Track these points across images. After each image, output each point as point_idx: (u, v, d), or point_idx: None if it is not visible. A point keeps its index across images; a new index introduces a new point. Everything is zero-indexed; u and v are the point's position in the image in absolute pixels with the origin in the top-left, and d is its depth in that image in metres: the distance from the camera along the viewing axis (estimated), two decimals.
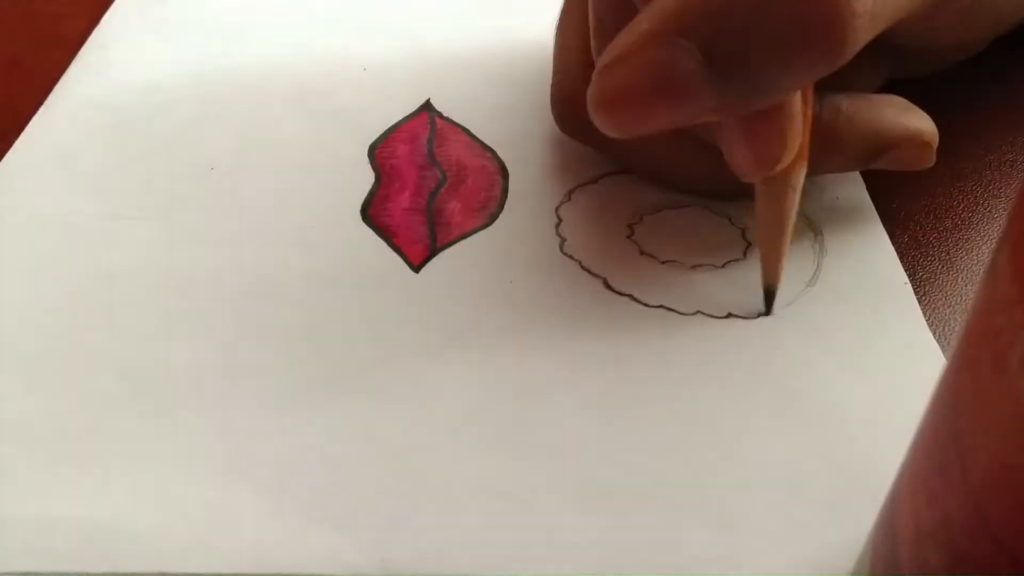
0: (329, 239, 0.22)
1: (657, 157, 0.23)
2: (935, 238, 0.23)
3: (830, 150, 0.21)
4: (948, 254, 0.23)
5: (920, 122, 0.22)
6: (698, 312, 0.21)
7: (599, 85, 0.18)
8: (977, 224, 0.24)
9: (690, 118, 0.18)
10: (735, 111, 0.18)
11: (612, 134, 0.18)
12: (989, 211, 0.24)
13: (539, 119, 0.26)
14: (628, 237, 0.23)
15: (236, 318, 0.20)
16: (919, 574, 0.12)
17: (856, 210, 0.23)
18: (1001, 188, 0.25)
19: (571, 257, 0.22)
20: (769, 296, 0.21)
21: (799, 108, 0.18)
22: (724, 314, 0.21)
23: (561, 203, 0.24)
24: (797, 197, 0.20)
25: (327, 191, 0.24)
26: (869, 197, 0.24)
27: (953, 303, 0.21)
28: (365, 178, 0.24)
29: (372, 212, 0.23)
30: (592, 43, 0.21)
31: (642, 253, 0.22)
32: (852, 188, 0.24)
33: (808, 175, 0.20)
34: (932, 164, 0.22)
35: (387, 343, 0.20)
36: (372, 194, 0.24)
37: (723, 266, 0.22)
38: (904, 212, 0.24)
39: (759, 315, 0.21)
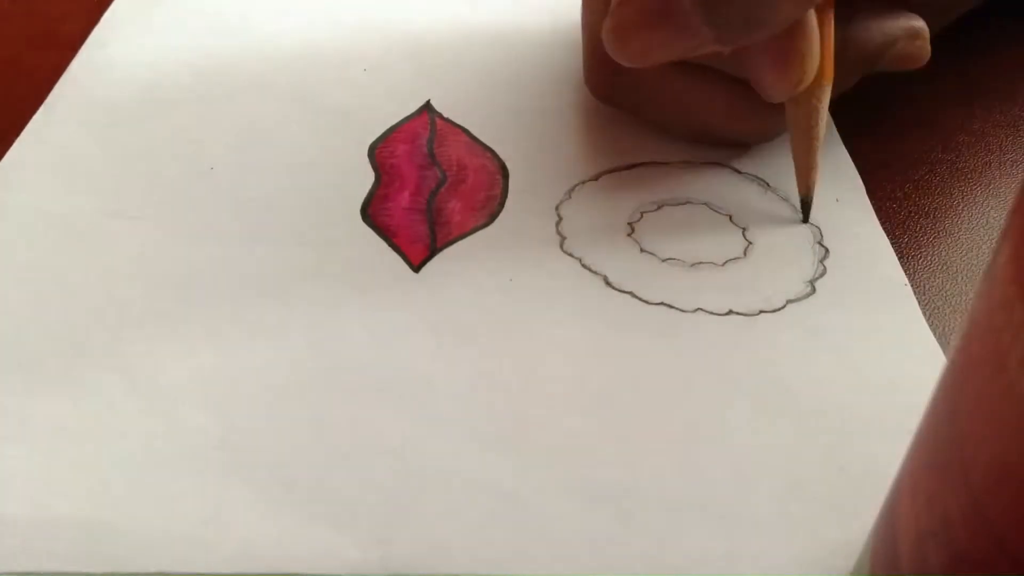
0: (329, 238, 0.22)
1: (686, 110, 0.24)
2: (935, 238, 0.23)
3: (839, 61, 0.22)
4: (948, 254, 0.23)
5: (911, 20, 0.23)
6: (698, 310, 0.21)
7: (612, 19, 0.20)
8: (977, 224, 0.24)
9: (694, 50, 0.19)
10: (737, 43, 0.19)
11: (625, 62, 0.20)
12: (989, 211, 0.24)
13: (539, 119, 0.26)
14: (628, 235, 0.23)
15: (235, 317, 0.20)
16: (919, 574, 0.12)
17: (856, 211, 0.23)
18: (1001, 188, 0.25)
19: (571, 255, 0.22)
20: (806, 205, 0.23)
21: (814, 29, 0.20)
22: (725, 311, 0.21)
23: (561, 201, 0.24)
24: (824, 113, 0.21)
25: (327, 191, 0.24)
26: (868, 199, 0.24)
27: (953, 303, 0.21)
28: (365, 178, 0.24)
29: (372, 212, 0.23)
30: None
31: (642, 251, 0.22)
32: (852, 189, 0.24)
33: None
34: (928, 57, 0.23)
35: (387, 342, 0.20)
36: (372, 194, 0.24)
37: (723, 264, 0.22)
38: (904, 212, 0.24)
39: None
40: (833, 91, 0.22)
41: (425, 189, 0.24)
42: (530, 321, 0.20)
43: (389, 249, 0.22)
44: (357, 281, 0.21)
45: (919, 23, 0.23)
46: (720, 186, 0.24)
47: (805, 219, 0.23)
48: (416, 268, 0.22)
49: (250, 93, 0.27)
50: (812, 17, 0.20)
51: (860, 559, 0.15)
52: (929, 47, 0.23)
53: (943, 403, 0.12)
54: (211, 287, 0.21)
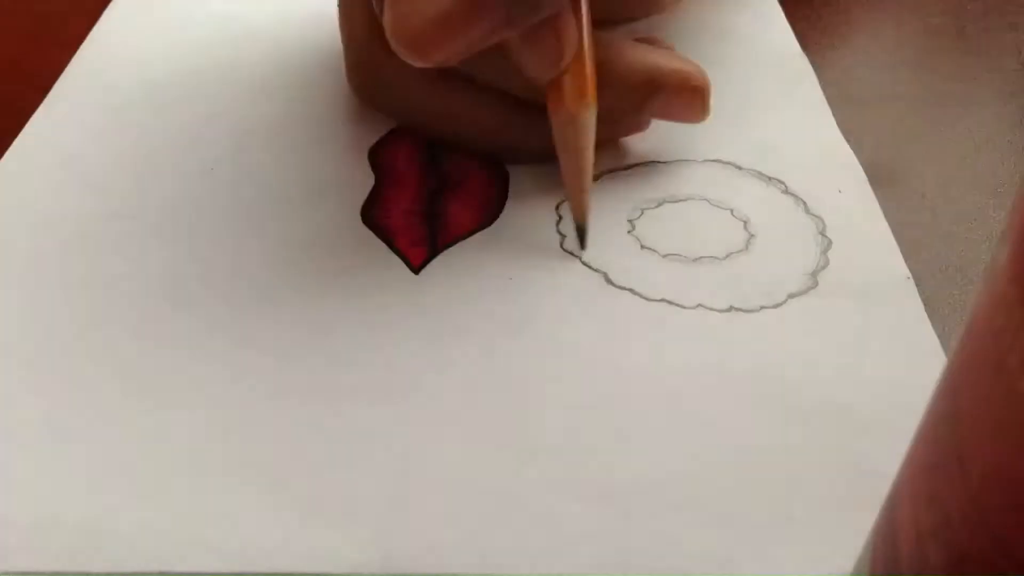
0: (329, 240, 0.22)
1: (462, 122, 0.23)
2: (935, 238, 0.23)
3: (602, 84, 0.21)
4: (948, 254, 0.23)
5: (689, 65, 0.23)
6: (699, 306, 0.21)
7: (395, 13, 0.18)
8: (977, 224, 0.24)
9: (488, 37, 0.19)
10: (522, 24, 0.19)
11: (416, 62, 0.18)
12: (989, 211, 0.24)
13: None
14: (629, 232, 0.23)
15: (236, 318, 0.20)
16: (919, 574, 0.12)
17: (859, 202, 0.23)
18: (1001, 187, 0.25)
19: (572, 254, 0.22)
20: (581, 232, 0.22)
21: (571, 17, 0.20)
22: (726, 307, 0.21)
23: (561, 200, 0.24)
24: (591, 135, 0.21)
25: (327, 192, 0.24)
26: (871, 189, 0.24)
27: (953, 303, 0.21)
28: (364, 179, 0.24)
29: (372, 213, 0.23)
30: None
31: (643, 247, 0.22)
32: (854, 180, 0.24)
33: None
34: (706, 117, 0.23)
35: (388, 344, 0.20)
36: (372, 195, 0.24)
37: (725, 258, 0.22)
38: (905, 209, 0.24)
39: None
40: (607, 126, 0.22)
41: (424, 191, 0.24)
42: (531, 321, 0.20)
43: (389, 251, 0.22)
44: (357, 283, 0.21)
45: (696, 72, 0.23)
46: (721, 182, 0.24)
47: (582, 246, 0.22)
48: (416, 270, 0.22)
49: (250, 94, 0.27)
50: (568, 8, 0.20)
51: (860, 559, 0.15)
52: (708, 107, 0.23)
53: (943, 403, 0.12)
54: (210, 287, 0.21)
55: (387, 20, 0.18)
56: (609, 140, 0.24)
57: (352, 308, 0.21)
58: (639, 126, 0.24)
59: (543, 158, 0.23)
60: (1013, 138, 0.26)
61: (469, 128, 0.24)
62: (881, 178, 0.24)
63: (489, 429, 0.18)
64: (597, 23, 0.22)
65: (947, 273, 0.22)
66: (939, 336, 0.20)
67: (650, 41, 0.24)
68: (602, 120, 0.21)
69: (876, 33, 0.31)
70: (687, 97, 0.23)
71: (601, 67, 0.21)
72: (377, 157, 0.25)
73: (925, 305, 0.21)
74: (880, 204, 0.23)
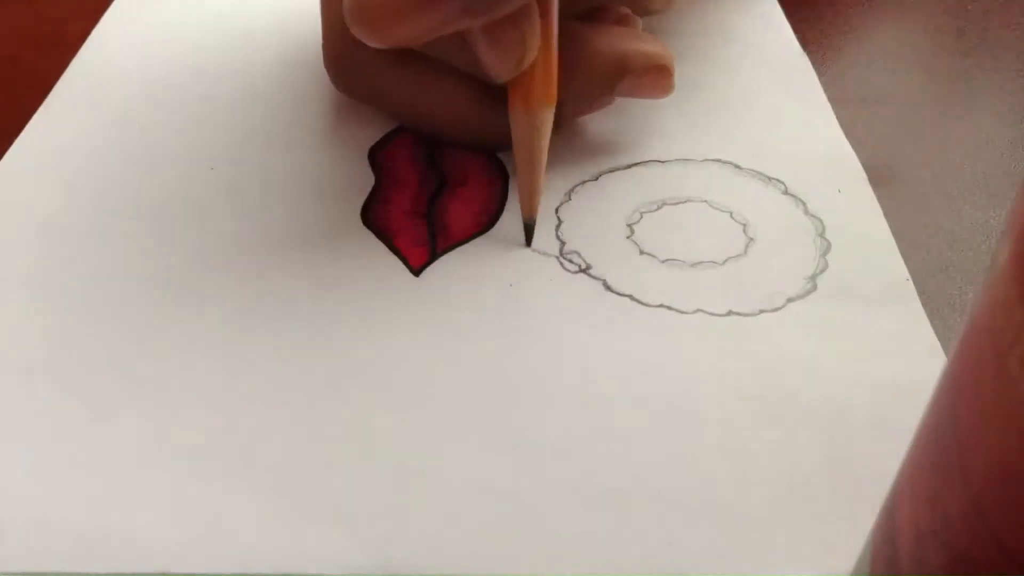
0: (329, 241, 0.22)
1: (432, 109, 0.24)
2: (935, 238, 0.23)
3: (570, 70, 0.22)
4: (948, 254, 0.23)
5: (655, 46, 0.23)
6: (698, 311, 0.21)
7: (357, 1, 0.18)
8: (977, 224, 0.24)
9: (444, 24, 0.18)
10: (481, 15, 0.19)
11: (373, 43, 0.19)
12: (989, 211, 0.24)
13: None
14: (628, 237, 0.23)
15: (236, 319, 0.20)
16: (919, 574, 0.12)
17: (858, 202, 0.23)
18: (1001, 187, 0.25)
19: (571, 260, 0.22)
20: (529, 230, 0.22)
21: (536, 15, 0.20)
22: (725, 312, 0.21)
23: (561, 203, 0.24)
24: (547, 135, 0.21)
25: (327, 193, 0.24)
26: (871, 189, 0.24)
27: (953, 303, 0.21)
28: (365, 180, 0.24)
29: (372, 215, 0.23)
30: None
31: (642, 253, 0.22)
32: (854, 180, 0.24)
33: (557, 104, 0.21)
34: (671, 92, 0.24)
35: (388, 346, 0.20)
36: (372, 196, 0.24)
37: (724, 263, 0.22)
38: (905, 209, 0.24)
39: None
40: (567, 112, 0.22)
41: (425, 193, 0.24)
42: (530, 325, 0.20)
43: (389, 252, 0.22)
44: (357, 284, 0.21)
45: (663, 50, 0.23)
46: (720, 183, 0.24)
47: (528, 243, 0.22)
48: (416, 272, 0.22)
49: (250, 94, 0.27)
50: (534, 9, 0.20)
51: (860, 559, 0.15)
52: (673, 82, 0.23)
53: (943, 403, 0.12)
54: (210, 287, 0.21)
55: (346, 3, 0.18)
56: (576, 117, 0.25)
57: (352, 309, 0.21)
58: (606, 104, 0.25)
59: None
60: (1013, 138, 0.26)
61: (441, 113, 0.24)
62: (881, 178, 0.24)
63: (489, 431, 0.18)
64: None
65: (947, 273, 0.22)
66: (939, 336, 0.20)
67: (618, 17, 0.24)
68: (571, 101, 0.22)
69: (876, 33, 0.31)
70: (653, 76, 0.23)
71: (569, 55, 0.22)
72: (377, 157, 0.25)
73: (925, 305, 0.21)
74: (880, 204, 0.24)
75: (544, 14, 0.20)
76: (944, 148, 0.25)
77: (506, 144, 0.23)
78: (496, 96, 0.23)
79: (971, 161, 0.25)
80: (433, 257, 0.22)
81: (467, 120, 0.24)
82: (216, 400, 0.19)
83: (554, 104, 0.21)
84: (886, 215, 0.23)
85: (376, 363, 0.19)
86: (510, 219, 0.23)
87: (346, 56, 0.24)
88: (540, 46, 0.20)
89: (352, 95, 0.25)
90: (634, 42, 0.23)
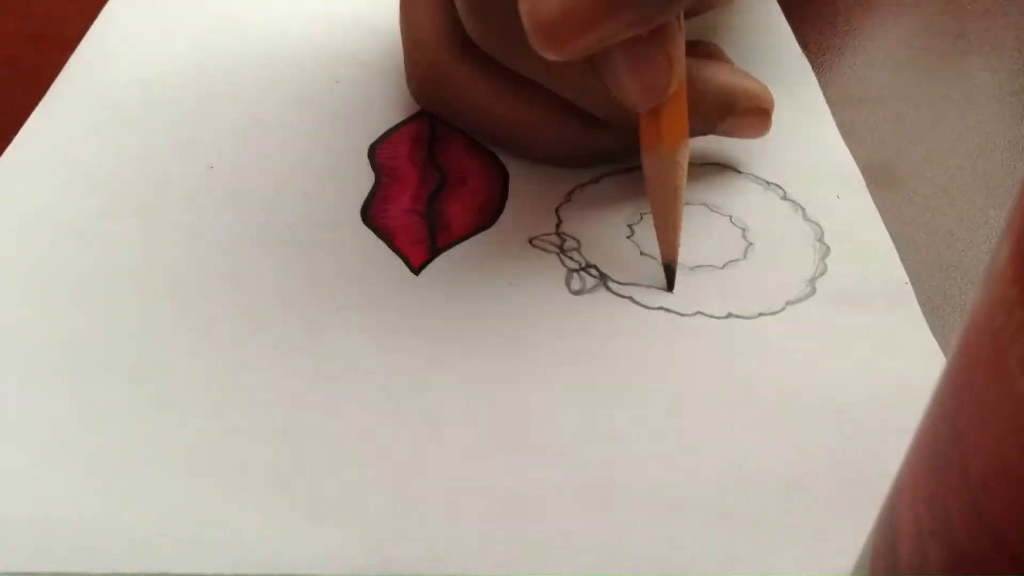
0: (329, 240, 0.22)
1: (518, 126, 0.23)
2: (935, 238, 0.23)
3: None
4: (948, 254, 0.23)
5: (757, 85, 0.23)
6: (698, 313, 0.21)
7: (534, 5, 0.18)
8: (977, 224, 0.24)
9: (617, 32, 0.18)
10: (652, 20, 0.18)
11: (553, 55, 0.18)
12: (989, 211, 0.24)
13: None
14: (628, 237, 0.23)
15: (236, 318, 0.20)
16: (919, 574, 0.12)
17: (857, 208, 0.24)
18: (1001, 187, 0.25)
19: (571, 259, 0.22)
20: (670, 272, 0.21)
21: (682, 36, 0.19)
22: (724, 314, 0.21)
23: (561, 204, 0.24)
24: (684, 172, 0.21)
25: (327, 191, 0.24)
26: (869, 195, 0.24)
27: (953, 303, 0.21)
28: (365, 179, 0.24)
29: (372, 213, 0.23)
30: None
31: (642, 254, 0.22)
32: (852, 186, 0.24)
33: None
34: (768, 132, 0.23)
35: (387, 344, 0.20)
36: (372, 195, 0.24)
37: (723, 266, 0.22)
38: (905, 209, 0.24)
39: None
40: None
41: (425, 191, 0.24)
42: (530, 325, 0.20)
43: (389, 251, 0.22)
44: (357, 283, 0.21)
45: (765, 92, 0.23)
46: (720, 187, 0.24)
47: (670, 288, 0.21)
48: (416, 270, 0.22)
49: (249, 93, 0.27)
50: (680, 32, 0.20)
51: (860, 559, 0.15)
52: (770, 122, 0.23)
53: (943, 403, 0.12)
54: (210, 286, 0.21)
55: (523, 9, 0.18)
56: None
57: (352, 308, 0.21)
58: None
59: (599, 163, 0.24)
60: (1013, 138, 0.26)
61: (533, 135, 0.23)
62: (881, 179, 0.25)
63: (489, 431, 0.18)
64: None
65: (947, 273, 0.22)
66: (939, 336, 0.20)
67: (709, 52, 0.24)
68: None
69: (876, 33, 0.31)
70: (757, 118, 0.23)
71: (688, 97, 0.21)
72: (377, 156, 0.25)
73: (925, 305, 0.21)
74: (879, 205, 0.24)
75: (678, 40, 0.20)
76: (944, 148, 0.25)
77: (593, 164, 0.23)
78: (591, 119, 0.23)
79: (971, 161, 0.26)
80: (433, 255, 0.22)
81: (563, 142, 0.23)
82: (216, 399, 0.19)
83: (688, 138, 0.20)
84: (885, 216, 0.23)
85: (376, 362, 0.19)
86: (511, 218, 0.23)
87: (437, 73, 0.23)
88: (681, 78, 0.20)
89: (436, 110, 0.25)
90: (739, 79, 0.23)
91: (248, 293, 0.21)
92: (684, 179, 0.21)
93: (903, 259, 0.22)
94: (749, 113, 0.23)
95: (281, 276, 0.21)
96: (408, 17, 0.24)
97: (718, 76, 0.23)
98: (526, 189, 0.24)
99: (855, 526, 0.16)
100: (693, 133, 0.22)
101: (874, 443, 0.18)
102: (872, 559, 0.14)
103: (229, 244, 0.22)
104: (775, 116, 0.26)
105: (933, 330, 0.20)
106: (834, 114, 0.27)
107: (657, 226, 0.21)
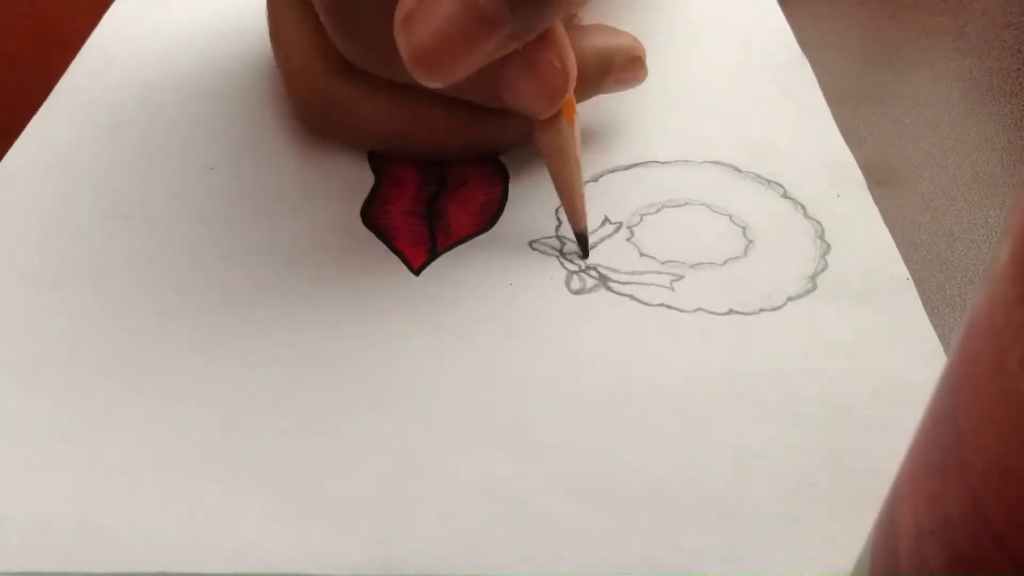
0: (329, 241, 0.22)
1: (416, 134, 0.23)
2: (935, 238, 0.23)
3: None
4: (948, 254, 0.23)
5: (627, 38, 0.24)
6: (699, 309, 0.21)
7: (410, 38, 0.18)
8: (977, 224, 0.24)
9: (496, 51, 0.18)
10: (526, 35, 0.19)
11: (432, 83, 0.19)
12: (989, 211, 0.24)
13: None
14: (628, 239, 0.23)
15: (236, 318, 0.20)
16: (919, 574, 0.12)
17: (857, 206, 0.23)
18: (1001, 187, 0.25)
19: (571, 260, 0.22)
20: (582, 240, 0.22)
21: (567, 40, 0.20)
22: (725, 311, 0.21)
23: (560, 205, 0.24)
24: (578, 140, 0.22)
25: (326, 192, 0.24)
26: (870, 194, 0.24)
27: (953, 303, 0.21)
28: (364, 180, 0.24)
29: (372, 214, 0.23)
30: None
31: (642, 255, 0.22)
32: (852, 184, 0.24)
33: None
34: (645, 78, 0.24)
35: (387, 345, 0.20)
36: (372, 196, 0.24)
37: (724, 263, 0.22)
38: (905, 209, 0.24)
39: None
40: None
41: (425, 193, 0.24)
42: (530, 326, 0.20)
43: (389, 252, 0.22)
44: (357, 284, 0.21)
45: (635, 43, 0.24)
46: (720, 185, 0.24)
47: (584, 255, 0.22)
48: (416, 271, 0.22)
49: (249, 94, 0.27)
50: (561, 27, 0.20)
51: (860, 558, 0.15)
52: (646, 68, 0.24)
53: (943, 403, 0.12)
54: (210, 287, 0.21)
55: (400, 44, 0.18)
56: None
57: (352, 308, 0.21)
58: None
59: (506, 149, 0.24)
60: (1013, 137, 0.26)
61: (434, 139, 0.24)
62: (881, 178, 0.25)
63: (489, 431, 0.18)
64: None
65: (947, 273, 0.22)
66: (939, 336, 0.20)
67: (566, 19, 0.23)
68: None
69: (875, 32, 0.31)
70: (633, 70, 0.24)
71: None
72: (377, 158, 0.25)
73: (925, 305, 0.21)
74: (880, 204, 0.24)
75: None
76: (944, 148, 0.25)
77: (501, 150, 0.24)
78: (490, 111, 0.23)
79: (971, 161, 0.25)
80: (433, 256, 0.22)
81: (465, 137, 0.24)
82: (216, 400, 0.19)
83: (575, 108, 0.22)
84: (886, 215, 0.23)
85: (376, 362, 0.19)
86: (510, 219, 0.23)
87: (320, 97, 0.23)
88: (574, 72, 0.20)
89: (327, 135, 0.25)
90: (608, 38, 0.24)
91: (249, 294, 0.21)
92: (579, 147, 0.22)
93: (903, 259, 0.22)
94: (626, 67, 0.24)
95: (281, 277, 0.21)
96: (278, 40, 0.24)
97: (592, 41, 0.23)
98: (526, 191, 0.24)
99: (855, 526, 0.16)
100: (580, 99, 0.23)
101: (874, 443, 0.18)
102: (872, 559, 0.14)
103: (230, 246, 0.22)
104: (775, 115, 0.26)
105: (934, 330, 0.20)
106: (834, 114, 0.27)
107: (562, 196, 0.22)
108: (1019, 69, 0.29)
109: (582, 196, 0.22)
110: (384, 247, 0.22)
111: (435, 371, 0.19)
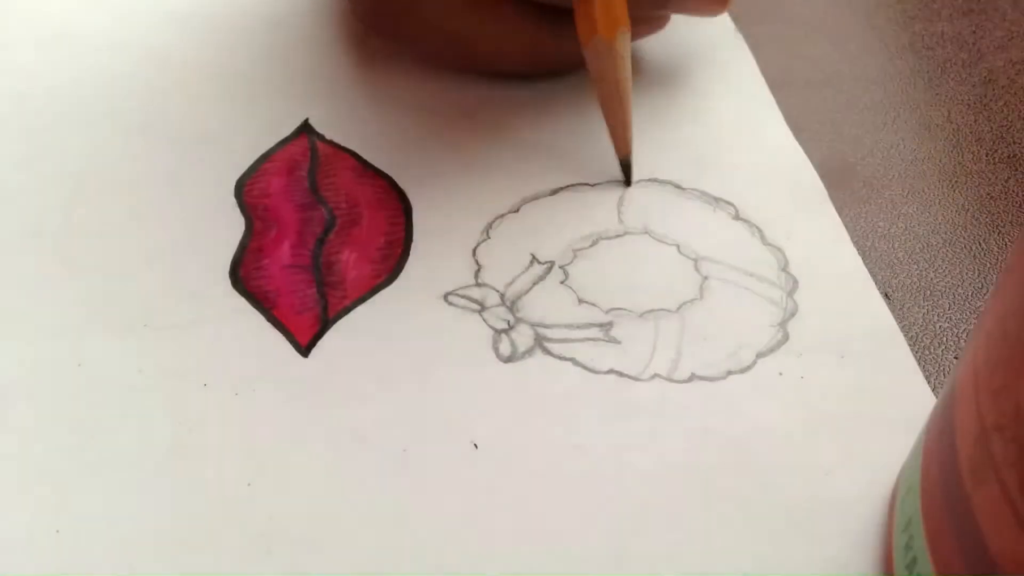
0: (190, 316, 0.20)
1: (485, 39, 0.22)
2: (912, 255, 0.20)
3: None
4: (931, 275, 0.20)
5: None
6: (655, 376, 0.19)
7: None
8: (957, 234, 0.21)
9: None
10: None
11: None
12: (968, 215, 0.21)
13: (441, 136, 0.21)
14: (562, 282, 0.19)
15: (80, 430, 0.17)
16: (978, 469, 0.12)
17: (822, 226, 0.21)
18: (983, 184, 0.22)
19: (497, 317, 0.18)
20: (626, 168, 0.22)
21: None
22: (687, 377, 0.18)
23: (479, 242, 0.21)
24: (629, 62, 0.21)
25: (185, 248, 0.21)
26: (832, 204, 0.21)
27: (932, 328, 0.18)
28: (233, 226, 0.21)
29: (244, 274, 0.20)
30: None
31: (581, 301, 0.19)
32: (811, 194, 0.22)
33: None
34: (725, 10, 0.23)
35: (269, 454, 0.17)
36: (243, 248, 0.20)
37: (678, 309, 0.19)
38: (872, 223, 0.21)
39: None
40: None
41: (310, 236, 0.20)
42: (450, 417, 0.18)
43: (269, 325, 0.19)
44: (229, 374, 0.18)
45: None
46: (660, 209, 0.22)
47: (628, 183, 0.22)
48: (305, 350, 0.18)
49: (84, 123, 0.22)
50: None
51: (908, 464, 0.15)
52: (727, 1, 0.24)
53: (1012, 300, 0.12)
54: (54, 388, 0.18)
55: None
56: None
57: (226, 409, 0.17)
58: (659, 23, 0.24)
59: (569, 71, 0.23)
60: (993, 123, 0.23)
61: (503, 48, 0.22)
62: (839, 179, 0.22)
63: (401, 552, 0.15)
64: None
65: (933, 301, 0.19)
66: (926, 374, 0.18)
67: None
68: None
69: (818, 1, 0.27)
70: None
71: None
72: (247, 194, 0.21)
73: (912, 344, 0.18)
74: (845, 216, 0.22)
75: None
76: (907, 137, 0.21)
77: (569, 71, 0.23)
78: (560, 27, 0.22)
79: (940, 152, 0.22)
80: (325, 327, 0.18)
81: (535, 54, 0.23)
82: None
83: (628, 26, 0.21)
84: (851, 229, 0.21)
85: (255, 479, 0.16)
86: (418, 265, 0.20)
87: None
88: None
89: (387, 33, 0.23)
90: None
91: (96, 395, 0.18)
92: (629, 69, 0.21)
93: (879, 284, 0.19)
94: None
95: (137, 372, 0.17)
96: None
97: None
98: (435, 225, 0.21)
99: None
100: (638, 18, 0.22)
101: (871, 539, 0.16)
102: (924, 461, 0.14)
103: (61, 331, 0.18)
104: (713, 111, 0.24)
105: (920, 366, 0.18)
106: (777, 101, 0.23)
107: (608, 122, 0.22)
108: (974, 32, 0.26)
109: (625, 122, 0.21)
110: (262, 318, 0.19)
111: (333, 486, 0.17)
